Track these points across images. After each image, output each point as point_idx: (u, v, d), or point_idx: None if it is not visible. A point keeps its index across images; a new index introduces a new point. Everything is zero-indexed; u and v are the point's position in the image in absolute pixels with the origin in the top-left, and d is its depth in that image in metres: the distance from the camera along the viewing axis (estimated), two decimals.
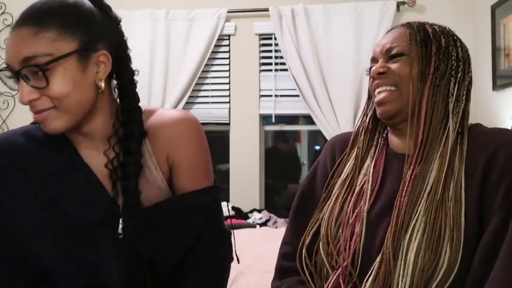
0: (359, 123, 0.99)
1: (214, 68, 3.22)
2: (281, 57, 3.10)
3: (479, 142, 0.83)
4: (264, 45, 3.19)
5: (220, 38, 3.17)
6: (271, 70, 3.17)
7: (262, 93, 3.18)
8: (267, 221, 2.86)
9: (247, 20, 3.17)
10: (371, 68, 0.93)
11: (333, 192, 0.95)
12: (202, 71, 3.14)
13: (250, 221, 2.83)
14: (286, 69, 3.07)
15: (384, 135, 0.97)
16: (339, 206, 0.91)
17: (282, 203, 3.43)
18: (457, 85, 0.85)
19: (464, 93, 0.86)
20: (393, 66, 0.88)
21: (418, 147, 0.83)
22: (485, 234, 0.77)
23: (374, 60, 0.93)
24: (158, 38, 3.11)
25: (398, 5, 2.97)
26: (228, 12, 3.12)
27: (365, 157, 0.95)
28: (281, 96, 3.14)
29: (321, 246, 0.90)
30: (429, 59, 0.85)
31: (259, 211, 3.01)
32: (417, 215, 0.79)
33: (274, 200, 3.45)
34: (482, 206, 0.79)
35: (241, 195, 3.16)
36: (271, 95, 3.15)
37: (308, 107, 2.98)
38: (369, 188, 0.89)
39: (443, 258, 0.76)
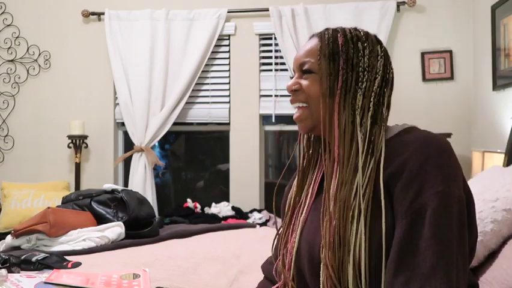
0: (298, 143, 1.01)
1: (214, 68, 3.23)
2: (281, 57, 3.10)
3: (394, 153, 0.81)
4: (264, 45, 3.20)
5: (220, 38, 3.17)
6: (271, 70, 3.17)
7: (262, 93, 3.18)
8: (267, 221, 2.85)
9: (247, 20, 3.17)
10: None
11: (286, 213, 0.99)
12: (202, 71, 3.15)
13: (250, 221, 2.83)
14: (286, 69, 3.07)
15: (321, 150, 0.96)
16: (286, 226, 0.96)
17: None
18: (361, 96, 0.85)
19: (372, 99, 0.85)
20: (304, 83, 0.90)
21: (337, 162, 0.84)
22: (396, 236, 0.77)
23: (294, 71, 0.95)
24: (158, 38, 3.11)
25: (398, 5, 2.98)
26: (228, 12, 3.13)
27: (306, 175, 0.98)
28: (281, 96, 3.15)
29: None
30: (337, 74, 0.86)
31: (259, 211, 3.01)
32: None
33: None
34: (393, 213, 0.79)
35: (241, 195, 3.16)
36: (271, 95, 3.15)
37: None
38: (307, 202, 0.93)
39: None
